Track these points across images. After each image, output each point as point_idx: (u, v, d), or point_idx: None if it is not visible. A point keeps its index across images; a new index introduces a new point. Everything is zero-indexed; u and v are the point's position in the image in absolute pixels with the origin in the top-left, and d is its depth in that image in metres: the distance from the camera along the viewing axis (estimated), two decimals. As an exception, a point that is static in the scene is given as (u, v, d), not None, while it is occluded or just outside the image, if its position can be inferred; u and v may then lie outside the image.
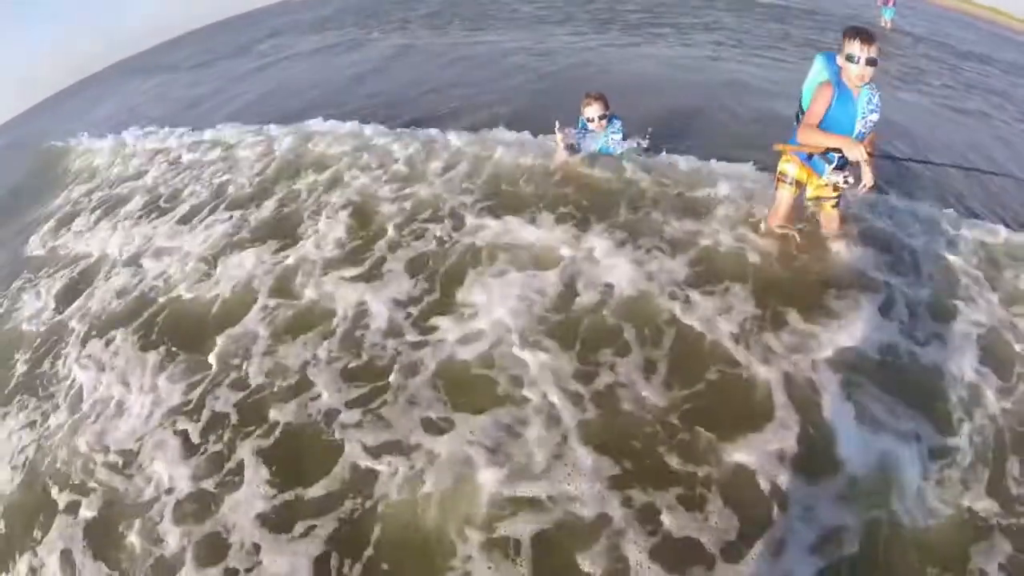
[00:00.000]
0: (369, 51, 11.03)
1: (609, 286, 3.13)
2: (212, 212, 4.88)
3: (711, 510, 2.07)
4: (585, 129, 4.01)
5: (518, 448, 2.35)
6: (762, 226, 3.38)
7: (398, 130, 5.53)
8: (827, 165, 2.79)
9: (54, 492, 2.84)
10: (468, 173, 4.40)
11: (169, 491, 2.57)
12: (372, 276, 3.54)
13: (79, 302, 4.34)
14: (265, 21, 21.38)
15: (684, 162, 4.22)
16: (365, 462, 2.44)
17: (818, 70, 2.84)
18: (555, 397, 2.54)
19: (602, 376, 2.62)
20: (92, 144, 8.25)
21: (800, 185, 3.11)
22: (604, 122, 3.91)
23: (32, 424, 3.40)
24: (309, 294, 3.52)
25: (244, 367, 3.10)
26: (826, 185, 3.00)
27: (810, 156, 2.93)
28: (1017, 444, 2.33)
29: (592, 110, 3.86)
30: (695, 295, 3.00)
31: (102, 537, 2.54)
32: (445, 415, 2.57)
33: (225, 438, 2.72)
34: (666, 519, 2.04)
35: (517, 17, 12.74)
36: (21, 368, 3.93)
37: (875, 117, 2.76)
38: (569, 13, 12.50)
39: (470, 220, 3.83)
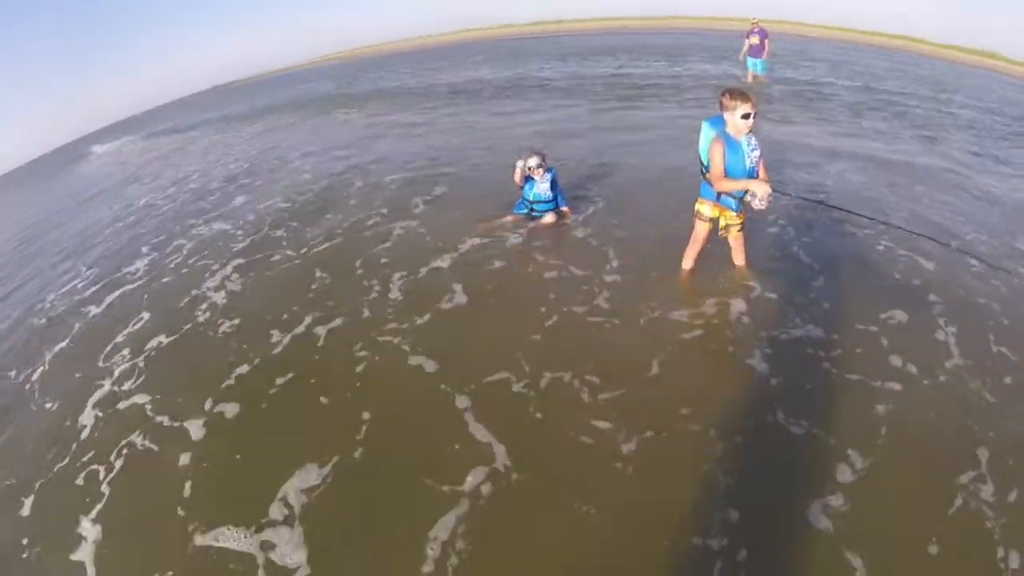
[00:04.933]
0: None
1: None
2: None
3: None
4: (528, 177, 5.00)
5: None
6: (684, 260, 3.88)
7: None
8: (736, 200, 3.38)
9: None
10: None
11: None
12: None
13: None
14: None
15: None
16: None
17: (706, 132, 3.36)
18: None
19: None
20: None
21: (713, 220, 3.60)
22: (541, 170, 4.87)
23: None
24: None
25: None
26: (736, 215, 3.51)
27: (719, 196, 3.42)
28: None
29: (533, 160, 4.81)
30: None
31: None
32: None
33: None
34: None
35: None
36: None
37: (757, 153, 3.29)
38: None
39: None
